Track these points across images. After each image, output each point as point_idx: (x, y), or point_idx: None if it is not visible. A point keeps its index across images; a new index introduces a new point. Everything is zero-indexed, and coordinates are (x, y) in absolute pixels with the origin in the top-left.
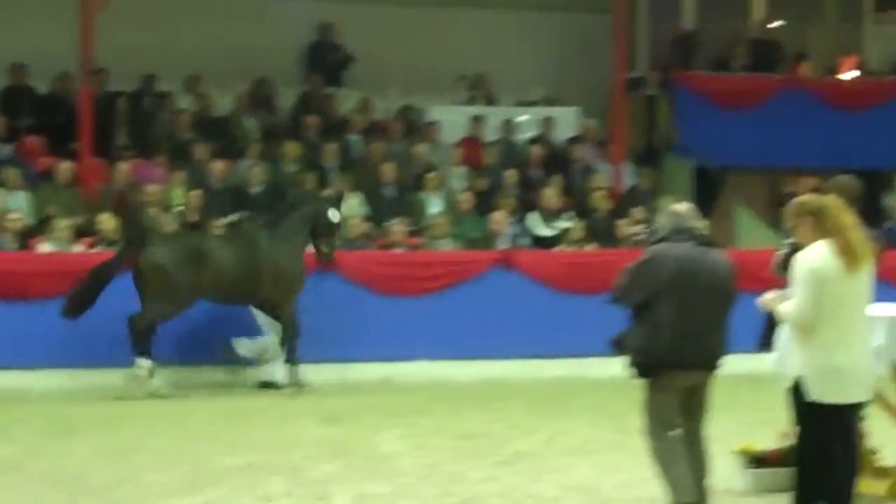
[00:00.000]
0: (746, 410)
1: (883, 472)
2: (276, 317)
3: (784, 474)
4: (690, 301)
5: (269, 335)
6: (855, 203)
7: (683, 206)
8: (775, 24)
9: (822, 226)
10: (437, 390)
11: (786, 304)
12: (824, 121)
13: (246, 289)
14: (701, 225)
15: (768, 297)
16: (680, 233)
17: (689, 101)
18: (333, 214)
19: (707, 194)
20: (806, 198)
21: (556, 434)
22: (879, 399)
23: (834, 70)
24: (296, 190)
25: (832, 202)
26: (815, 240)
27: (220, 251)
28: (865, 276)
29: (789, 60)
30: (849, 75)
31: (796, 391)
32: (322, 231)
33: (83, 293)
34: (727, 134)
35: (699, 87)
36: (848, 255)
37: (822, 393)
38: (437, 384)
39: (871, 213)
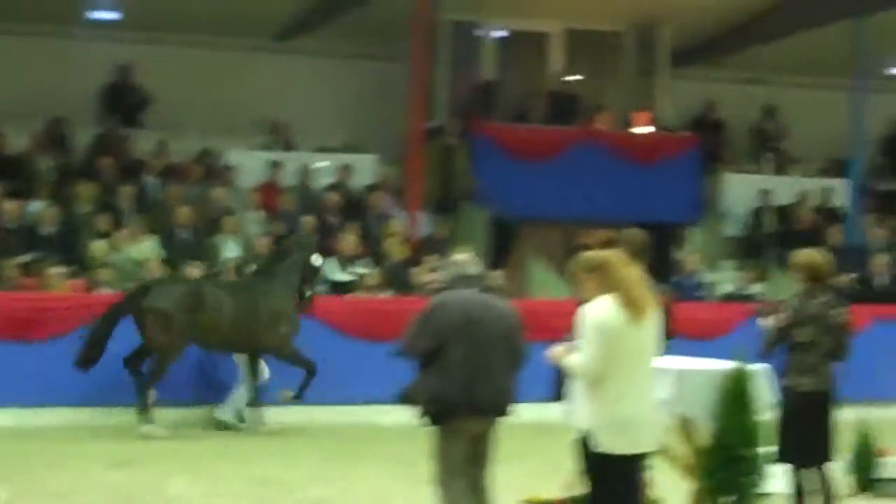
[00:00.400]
0: (535, 459)
1: None
2: (256, 363)
3: None
4: (478, 345)
5: (240, 385)
6: (642, 256)
7: (465, 256)
8: (573, 77)
9: (605, 280)
10: (232, 435)
11: (573, 356)
12: (618, 174)
13: (244, 335)
14: (482, 273)
15: (557, 349)
16: (464, 280)
17: (487, 151)
18: (316, 259)
19: (502, 244)
20: (589, 254)
21: (350, 482)
22: (665, 450)
23: (629, 124)
24: (293, 237)
25: (614, 256)
26: (600, 294)
27: (219, 298)
28: (650, 328)
29: (586, 113)
30: (643, 130)
31: (585, 442)
32: (307, 276)
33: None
34: (523, 185)
35: (497, 137)
36: (632, 307)
37: (611, 444)
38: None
39: (661, 267)
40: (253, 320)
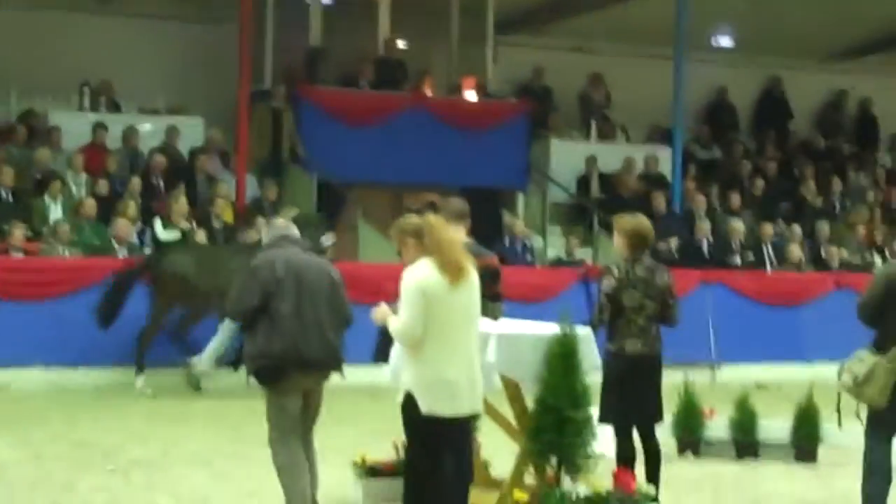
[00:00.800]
0: (363, 421)
1: (495, 484)
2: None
3: (398, 485)
4: (305, 302)
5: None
6: (463, 223)
7: (283, 219)
8: (401, 42)
9: (424, 244)
10: (54, 398)
11: (393, 318)
12: (446, 139)
13: None
14: (304, 234)
15: (380, 310)
16: (286, 241)
17: (315, 115)
18: (326, 239)
19: (331, 208)
20: (407, 218)
21: (172, 443)
22: (492, 412)
23: (456, 90)
24: (300, 214)
25: (434, 220)
26: (420, 257)
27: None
28: (469, 291)
29: (413, 79)
30: (470, 95)
31: (407, 404)
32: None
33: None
34: (351, 149)
35: (325, 102)
36: (449, 271)
37: (432, 406)
38: (53, 391)
39: (489, 231)
40: None
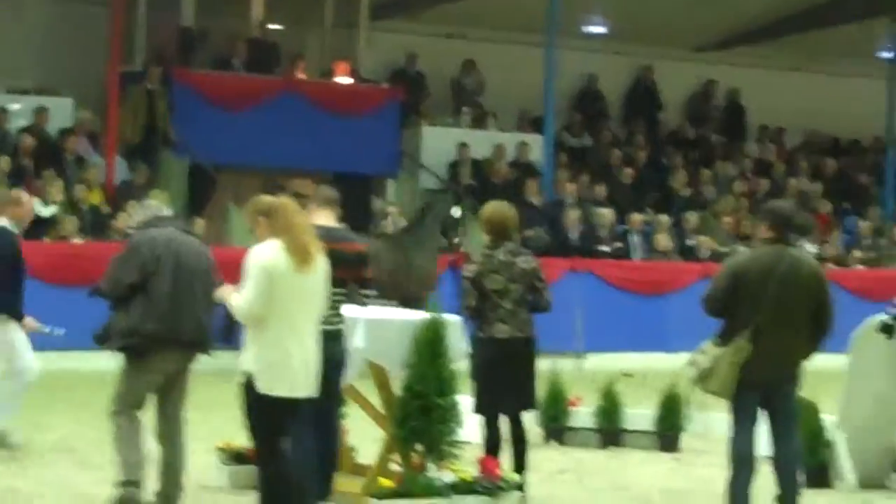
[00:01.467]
0: (229, 407)
1: (360, 470)
2: None
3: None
4: (181, 280)
5: None
6: (334, 207)
7: (154, 200)
8: (274, 25)
9: (274, 225)
10: None
11: (235, 297)
12: (318, 124)
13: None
14: (176, 214)
15: (225, 289)
16: (160, 220)
17: (188, 98)
18: (455, 211)
19: (202, 192)
20: (260, 198)
21: (36, 430)
22: (359, 399)
23: (329, 74)
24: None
25: (286, 203)
26: (271, 238)
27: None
28: (317, 276)
29: (287, 62)
30: (343, 80)
31: (246, 385)
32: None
33: None
34: (224, 133)
35: (197, 84)
36: (297, 254)
37: (272, 387)
38: None
39: (360, 217)
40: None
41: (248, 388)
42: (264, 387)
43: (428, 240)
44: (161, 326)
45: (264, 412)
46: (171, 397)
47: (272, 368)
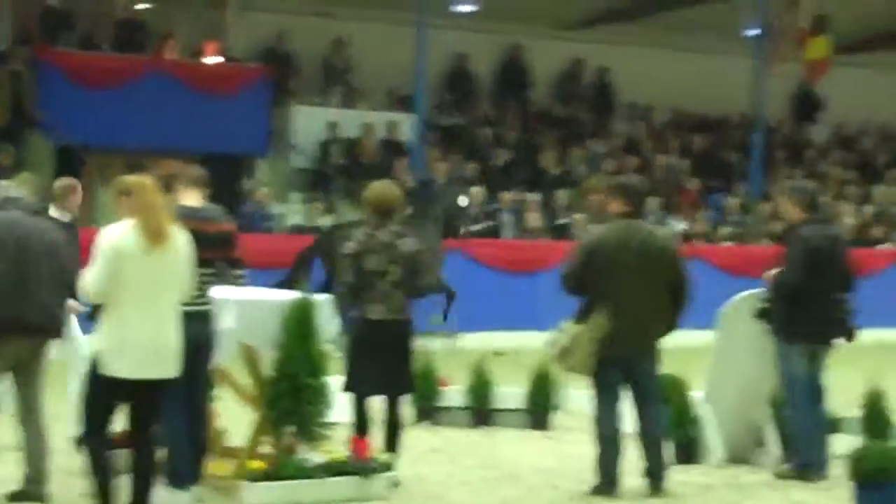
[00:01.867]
0: None
1: (231, 453)
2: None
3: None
4: (25, 263)
5: None
6: (202, 187)
7: (5, 182)
8: (142, 5)
9: (132, 204)
10: None
11: (84, 276)
12: (187, 103)
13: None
14: (26, 196)
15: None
16: (7, 202)
17: (54, 78)
18: (462, 200)
19: (70, 173)
20: (123, 177)
21: None
22: (230, 380)
23: (198, 54)
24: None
25: (144, 182)
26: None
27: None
28: (171, 257)
29: (155, 42)
30: (212, 60)
31: (93, 363)
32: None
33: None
34: (91, 113)
35: (65, 64)
36: (149, 234)
37: (117, 368)
38: None
39: (229, 197)
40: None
41: (93, 365)
42: (105, 366)
43: (430, 228)
44: (4, 311)
45: (99, 390)
46: (27, 384)
47: (116, 348)
